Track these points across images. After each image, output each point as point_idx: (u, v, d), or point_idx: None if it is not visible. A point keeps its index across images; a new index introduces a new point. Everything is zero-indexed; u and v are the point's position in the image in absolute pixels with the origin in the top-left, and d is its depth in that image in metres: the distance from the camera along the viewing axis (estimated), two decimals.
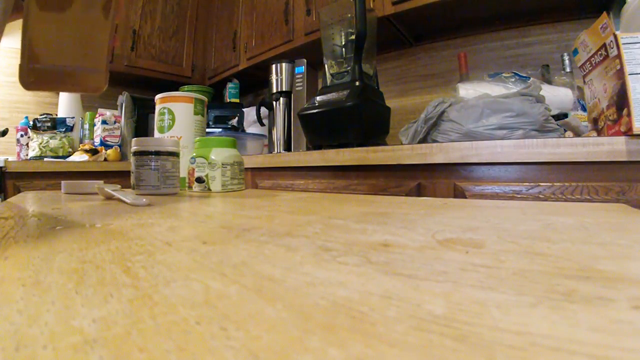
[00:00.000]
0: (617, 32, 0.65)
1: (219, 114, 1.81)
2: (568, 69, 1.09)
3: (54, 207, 0.40)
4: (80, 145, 1.81)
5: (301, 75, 1.50)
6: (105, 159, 1.70)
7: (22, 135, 1.76)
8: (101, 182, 0.60)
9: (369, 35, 1.11)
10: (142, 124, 1.93)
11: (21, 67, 0.30)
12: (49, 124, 1.76)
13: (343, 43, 1.20)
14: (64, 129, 1.81)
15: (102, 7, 0.31)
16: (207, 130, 1.57)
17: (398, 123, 1.33)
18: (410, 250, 0.17)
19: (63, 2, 0.30)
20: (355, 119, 1.06)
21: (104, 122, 1.79)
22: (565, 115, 0.89)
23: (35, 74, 0.31)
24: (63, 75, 0.32)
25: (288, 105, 1.54)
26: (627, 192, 0.63)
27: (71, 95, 1.90)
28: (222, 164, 0.63)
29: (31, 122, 1.75)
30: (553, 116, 0.84)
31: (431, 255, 0.16)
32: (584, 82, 0.80)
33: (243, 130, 1.84)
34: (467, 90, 1.02)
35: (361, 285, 0.12)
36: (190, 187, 0.66)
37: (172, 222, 0.28)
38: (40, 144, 1.72)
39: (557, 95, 0.96)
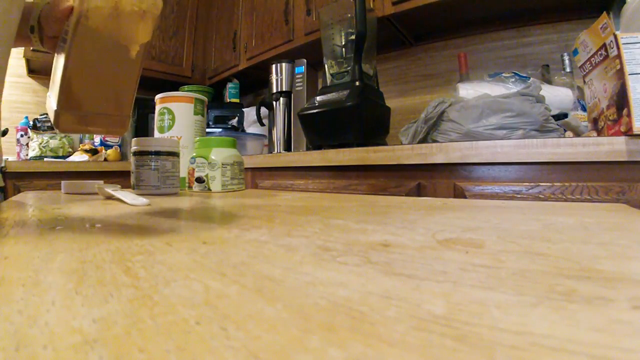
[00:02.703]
0: (617, 32, 0.65)
1: (219, 114, 1.81)
2: (568, 69, 1.09)
3: (54, 207, 0.40)
4: (80, 145, 1.81)
5: (301, 75, 1.50)
6: (105, 159, 1.70)
7: (22, 135, 1.76)
8: (101, 182, 0.60)
9: (369, 35, 1.11)
10: (142, 124, 1.93)
11: (57, 112, 0.34)
12: (49, 124, 1.76)
13: (343, 43, 1.20)
14: None
15: (133, 60, 0.35)
16: (207, 130, 1.57)
17: (398, 123, 1.33)
18: (410, 250, 0.17)
19: (100, 57, 0.34)
20: (355, 119, 1.06)
21: None
22: (565, 115, 0.89)
23: (70, 120, 0.34)
24: (94, 121, 0.36)
25: (288, 105, 1.54)
26: (627, 192, 0.63)
27: None
28: (222, 164, 0.63)
29: (31, 122, 1.75)
30: (553, 116, 0.84)
31: (431, 255, 0.16)
32: (584, 82, 0.80)
33: (243, 130, 1.84)
34: (467, 90, 1.02)
35: (361, 285, 0.12)
36: (190, 187, 0.66)
37: (172, 222, 0.28)
38: (40, 144, 1.72)
39: (557, 95, 0.96)
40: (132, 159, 0.57)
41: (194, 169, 0.65)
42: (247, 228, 0.24)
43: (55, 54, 0.36)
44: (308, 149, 1.32)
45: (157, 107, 0.76)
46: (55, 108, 0.33)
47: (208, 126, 1.68)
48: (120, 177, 1.61)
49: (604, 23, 0.68)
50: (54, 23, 0.36)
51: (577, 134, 0.89)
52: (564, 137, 0.78)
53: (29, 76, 1.97)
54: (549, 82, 1.06)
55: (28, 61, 1.88)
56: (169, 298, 0.11)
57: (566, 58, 1.09)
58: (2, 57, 0.37)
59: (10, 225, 0.27)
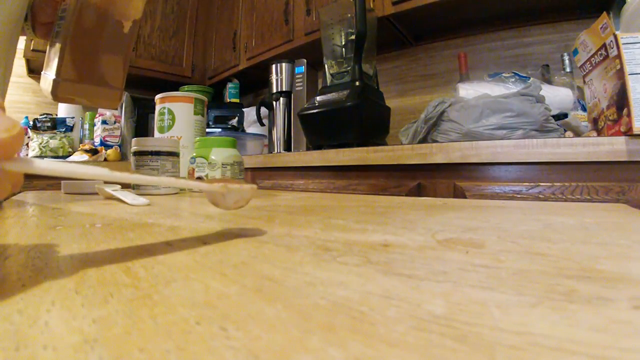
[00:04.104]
0: (617, 32, 0.65)
1: (219, 114, 1.81)
2: (568, 69, 1.09)
3: (54, 207, 0.40)
4: (80, 145, 1.81)
5: (301, 75, 1.50)
6: (105, 159, 1.70)
7: None
8: (101, 182, 0.59)
9: (369, 35, 1.11)
10: (142, 124, 1.93)
11: (56, 81, 0.36)
12: (49, 124, 1.76)
13: (343, 43, 1.20)
14: (63, 129, 1.81)
15: (126, 35, 0.39)
16: (207, 130, 1.57)
17: (398, 123, 1.33)
18: (410, 250, 0.17)
19: (97, 31, 0.37)
20: (355, 119, 1.06)
21: (104, 122, 1.79)
22: (565, 115, 0.89)
23: (68, 89, 0.37)
24: (90, 91, 0.39)
25: (288, 105, 1.54)
26: (627, 192, 0.63)
27: None
28: (222, 164, 0.63)
29: (31, 122, 1.75)
30: (553, 116, 0.84)
31: (431, 255, 0.16)
32: (584, 82, 0.80)
33: (243, 130, 1.84)
34: (467, 90, 1.02)
35: (361, 285, 0.12)
36: None
37: (172, 222, 0.28)
38: (40, 144, 1.72)
39: (557, 95, 0.96)
40: (132, 159, 0.57)
41: (194, 169, 0.65)
42: (247, 228, 0.24)
43: (51, 37, 0.38)
44: (308, 149, 1.32)
45: (157, 107, 0.76)
46: (54, 77, 0.35)
47: (208, 126, 1.68)
48: None
49: (604, 23, 0.68)
50: (49, 8, 0.39)
51: (577, 134, 0.89)
52: (564, 137, 0.78)
53: (29, 76, 1.97)
54: (549, 82, 1.06)
55: (28, 61, 1.89)
56: (169, 298, 0.11)
57: (566, 58, 1.09)
58: (7, 57, 0.38)
59: (11, 225, 0.27)
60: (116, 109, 1.82)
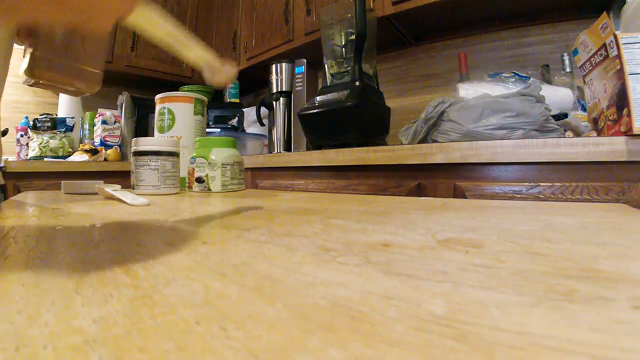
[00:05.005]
0: (617, 32, 0.65)
1: (219, 114, 1.81)
2: (568, 69, 1.09)
3: (54, 207, 0.40)
4: (80, 145, 1.81)
5: (301, 75, 1.50)
6: (105, 159, 1.70)
7: (22, 135, 1.76)
8: (101, 182, 0.59)
9: (369, 35, 1.11)
10: (142, 124, 1.93)
11: (32, 55, 0.33)
12: (49, 124, 1.76)
13: (343, 43, 1.20)
14: (64, 129, 1.81)
15: None
16: (207, 130, 1.57)
17: (398, 123, 1.33)
18: (410, 250, 0.17)
19: None
20: (355, 119, 1.06)
21: (104, 122, 1.79)
22: (565, 115, 0.89)
23: (46, 64, 0.34)
24: (69, 70, 0.37)
25: (288, 105, 1.54)
26: (627, 192, 0.63)
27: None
28: (222, 164, 0.63)
29: (31, 122, 1.75)
30: (553, 116, 0.84)
31: (431, 255, 0.16)
32: (584, 82, 0.80)
33: (243, 130, 1.84)
34: (467, 90, 1.02)
35: (361, 285, 0.12)
36: (190, 187, 0.66)
37: (172, 222, 0.28)
38: (40, 144, 1.72)
39: (557, 95, 0.96)
40: (132, 159, 0.57)
41: (194, 169, 0.65)
42: (247, 228, 0.24)
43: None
44: (308, 149, 1.32)
45: (157, 107, 0.76)
46: (31, 51, 0.34)
47: (208, 126, 1.68)
48: (120, 177, 1.60)
49: (604, 23, 0.68)
50: None
51: (577, 134, 0.89)
52: (564, 137, 0.78)
53: None
54: (549, 82, 1.06)
55: None
56: (169, 298, 0.11)
57: (566, 58, 1.09)
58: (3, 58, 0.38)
59: (11, 225, 0.27)
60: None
